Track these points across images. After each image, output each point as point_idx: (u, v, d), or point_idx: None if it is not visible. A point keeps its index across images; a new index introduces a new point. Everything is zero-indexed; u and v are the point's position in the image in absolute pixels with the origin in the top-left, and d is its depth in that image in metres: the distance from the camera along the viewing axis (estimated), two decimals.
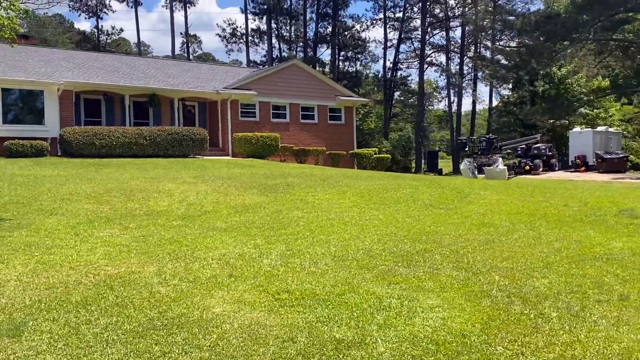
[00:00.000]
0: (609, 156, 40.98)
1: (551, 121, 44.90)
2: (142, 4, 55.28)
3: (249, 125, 27.19)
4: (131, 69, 27.30)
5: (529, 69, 39.50)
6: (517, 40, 33.79)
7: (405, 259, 7.17)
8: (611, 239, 8.41)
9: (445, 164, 62.68)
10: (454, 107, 59.35)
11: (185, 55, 55.38)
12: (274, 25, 55.47)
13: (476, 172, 38.04)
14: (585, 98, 44.77)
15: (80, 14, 57.89)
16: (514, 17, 40.13)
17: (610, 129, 45.22)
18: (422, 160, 62.26)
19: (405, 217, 10.40)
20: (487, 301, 5.34)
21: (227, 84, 27.35)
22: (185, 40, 54.07)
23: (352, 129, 31.62)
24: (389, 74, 61.50)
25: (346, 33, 56.83)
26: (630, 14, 29.45)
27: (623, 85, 45.08)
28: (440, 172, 49.08)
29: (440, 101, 68.39)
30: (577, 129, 44.74)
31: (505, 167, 37.28)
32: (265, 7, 52.20)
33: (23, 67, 23.05)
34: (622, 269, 6.49)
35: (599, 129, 44.25)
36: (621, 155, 41.95)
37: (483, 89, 59.22)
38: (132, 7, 53.68)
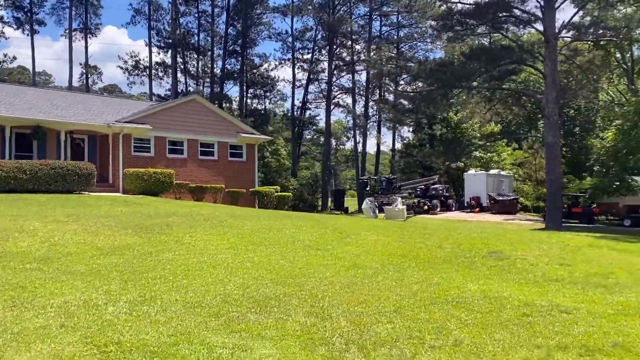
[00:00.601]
0: (501, 198, 43.28)
1: (447, 163, 46.96)
2: (38, 32, 52.59)
3: (143, 161, 26.26)
4: (15, 99, 25.75)
5: (427, 113, 41.33)
6: (413, 86, 35.25)
7: (261, 304, 6.94)
8: (470, 281, 8.63)
9: (352, 202, 63.60)
10: (360, 148, 60.80)
11: (84, 86, 53.30)
12: (180, 60, 54.77)
13: (377, 211, 38.88)
14: (479, 142, 47.32)
15: None
16: (413, 64, 42.13)
17: (502, 172, 47.95)
18: (329, 199, 63.00)
19: (280, 259, 10.22)
20: (323, 349, 5.20)
21: (120, 117, 26.40)
22: (84, 71, 52.12)
23: (254, 167, 31.42)
24: (298, 112, 62.28)
25: (255, 71, 57.16)
26: (514, 66, 31.56)
27: (514, 131, 48.23)
28: (346, 211, 49.70)
29: (347, 141, 69.85)
30: (472, 171, 47.09)
31: (404, 207, 38.38)
32: (171, 41, 51.50)
33: None
34: (467, 313, 6.60)
35: (492, 171, 46.80)
36: (512, 198, 44.45)
37: (388, 131, 61.54)
38: (28, 35, 51.17)
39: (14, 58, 55.24)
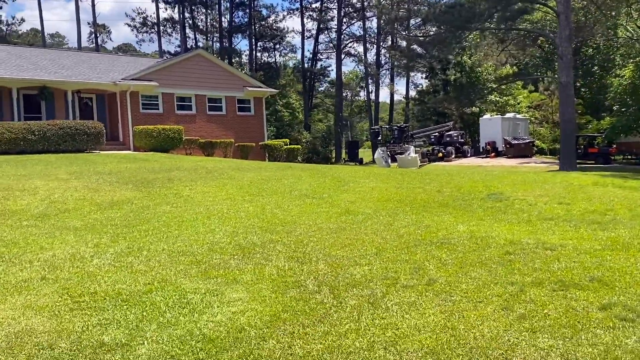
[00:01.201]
0: (516, 142, 42.67)
1: (462, 109, 46.25)
2: None
3: (151, 118, 26.30)
4: (20, 60, 25.76)
5: (439, 57, 40.48)
6: (423, 30, 34.35)
7: (245, 251, 6.98)
8: (461, 222, 8.56)
9: (367, 153, 63.40)
10: (373, 97, 60.11)
11: (95, 46, 53.06)
12: (187, 15, 54.06)
13: (389, 161, 38.71)
14: (494, 85, 46.34)
15: None
16: (425, 7, 40.98)
17: (518, 116, 47.08)
18: (344, 150, 62.84)
19: (274, 208, 10.24)
20: (294, 292, 5.22)
21: (127, 75, 26.32)
22: (93, 30, 51.80)
23: (262, 120, 31.29)
24: (309, 64, 61.50)
25: (263, 23, 56.22)
26: (526, 5, 30.48)
27: (529, 73, 47.00)
28: (361, 162, 49.55)
29: (361, 91, 68.98)
30: (487, 115, 46.32)
31: (417, 155, 38.10)
32: None
33: None
34: (448, 253, 6.56)
35: (507, 115, 45.97)
36: (528, 141, 43.78)
37: (401, 79, 60.47)
38: None
39: (22, 20, 55.06)
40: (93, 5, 50.85)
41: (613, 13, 38.37)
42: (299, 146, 32.40)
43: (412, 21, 42.34)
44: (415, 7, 39.67)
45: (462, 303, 4.82)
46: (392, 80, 59.13)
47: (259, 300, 4.96)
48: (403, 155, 37.62)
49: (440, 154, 41.68)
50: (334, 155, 57.16)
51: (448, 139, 43.70)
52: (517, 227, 8.27)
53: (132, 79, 25.86)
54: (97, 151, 23.36)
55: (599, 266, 5.87)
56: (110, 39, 61.35)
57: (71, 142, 22.35)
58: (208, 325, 4.37)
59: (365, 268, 5.98)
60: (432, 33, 33.88)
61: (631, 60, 40.61)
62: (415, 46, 42.64)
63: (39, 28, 52.09)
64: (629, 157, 37.10)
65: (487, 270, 5.79)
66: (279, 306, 4.80)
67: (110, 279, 5.83)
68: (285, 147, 30.30)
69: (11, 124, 21.31)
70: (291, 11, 58.23)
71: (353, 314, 4.59)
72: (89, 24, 54.03)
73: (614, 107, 39.73)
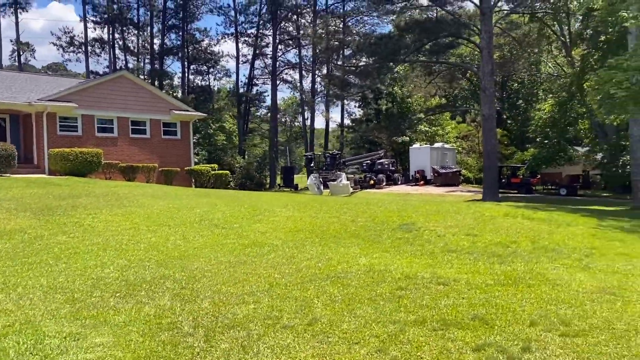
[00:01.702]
0: (444, 171, 43.82)
1: (393, 138, 47.13)
2: None
3: (69, 140, 25.20)
4: None
5: (370, 87, 41.21)
6: (355, 60, 34.92)
7: (131, 288, 6.57)
8: (365, 255, 8.45)
9: (303, 179, 63.35)
10: (309, 123, 60.42)
11: (17, 64, 50.86)
12: (117, 35, 52.86)
13: (322, 187, 38.78)
14: (423, 116, 47.63)
15: None
16: (357, 37, 41.77)
17: (446, 145, 48.45)
18: (278, 176, 62.58)
19: (178, 239, 9.83)
20: (166, 335, 4.89)
21: (44, 96, 25.20)
22: (16, 48, 49.74)
23: (189, 145, 30.63)
24: (245, 89, 61.27)
25: (196, 46, 55.69)
26: (452, 39, 31.55)
27: (457, 104, 48.68)
28: (296, 188, 49.33)
29: (296, 117, 69.25)
30: (416, 145, 47.42)
31: (348, 182, 38.42)
32: (107, 16, 49.52)
33: None
34: (341, 288, 6.40)
35: (436, 145, 47.23)
36: (455, 170, 45.04)
37: (336, 107, 61.35)
38: None
39: None
40: (17, 23, 48.95)
41: (535, 50, 40.36)
42: (227, 172, 31.87)
43: (346, 51, 43.10)
44: (349, 38, 40.46)
45: (338, 345, 4.63)
46: (327, 107, 59.65)
47: (123, 346, 4.59)
48: (335, 182, 37.81)
49: (372, 182, 42.17)
50: (268, 181, 56.81)
51: (379, 166, 44.35)
52: (418, 259, 8.23)
53: (50, 100, 24.78)
54: (8, 174, 22.10)
55: (485, 303, 5.84)
56: (34, 58, 59.15)
57: None
58: None
59: (251, 307, 5.71)
60: (362, 64, 34.51)
61: (550, 95, 42.74)
62: (348, 75, 43.33)
63: None
64: (550, 187, 38.66)
65: (374, 308, 5.64)
66: (143, 352, 4.46)
67: None
68: (213, 172, 29.73)
69: None
70: (226, 35, 58.09)
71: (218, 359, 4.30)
72: (11, 41, 51.76)
73: (537, 139, 41.58)
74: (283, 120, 78.01)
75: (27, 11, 64.49)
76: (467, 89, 52.51)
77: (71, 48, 52.14)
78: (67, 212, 12.24)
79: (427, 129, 49.37)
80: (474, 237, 10.44)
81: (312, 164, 41.26)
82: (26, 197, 14.29)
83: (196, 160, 49.57)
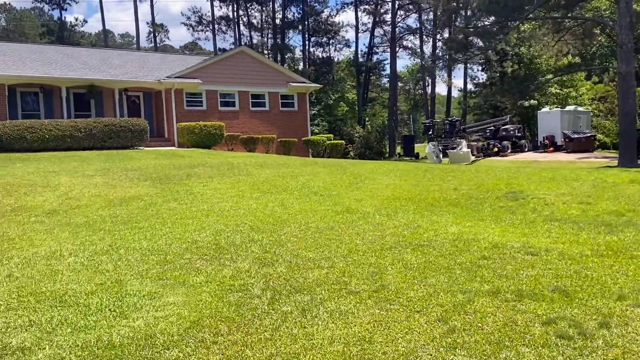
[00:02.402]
0: (576, 136, 40.71)
1: (519, 102, 44.52)
2: None
3: (195, 115, 26.78)
4: (72, 60, 26.81)
5: (493, 48, 39.13)
6: (474, 21, 33.20)
7: (220, 251, 6.90)
8: (457, 223, 8.15)
9: (423, 147, 62.24)
10: (430, 90, 58.94)
11: (153, 44, 54.67)
12: (242, 12, 54.74)
13: (441, 156, 37.88)
14: (554, 77, 44.32)
15: (43, 6, 56.75)
16: None
17: (579, 108, 44.86)
18: (399, 145, 61.90)
19: (276, 206, 10.12)
20: (234, 296, 5.07)
21: (172, 73, 26.90)
22: (152, 30, 53.43)
23: (306, 116, 31.23)
24: (365, 58, 60.97)
25: (317, 18, 56.16)
26: None
27: (590, 63, 44.64)
28: (417, 157, 48.72)
29: (417, 84, 67.76)
30: (545, 109, 44.39)
31: (469, 150, 37.09)
32: None
33: None
34: (420, 257, 6.23)
35: (568, 108, 43.88)
36: (589, 135, 41.67)
37: (460, 72, 58.85)
38: None
39: (85, 21, 57.48)
40: (152, 6, 52.48)
41: None
42: (342, 141, 32.12)
43: (469, 11, 41.14)
44: None
45: (399, 312, 4.52)
46: (449, 73, 57.67)
47: (192, 305, 4.84)
48: (454, 150, 36.70)
49: (496, 149, 40.38)
50: (388, 150, 56.48)
51: (504, 133, 42.23)
52: (514, 228, 7.78)
53: (177, 77, 26.41)
54: (142, 147, 24.00)
55: (573, 274, 5.39)
56: (168, 38, 62.90)
57: (116, 139, 23.05)
58: (122, 331, 4.29)
59: (324, 271, 5.75)
60: (485, 24, 32.75)
61: None
62: (470, 37, 41.44)
63: (106, 29, 54.24)
64: None
65: (448, 277, 5.43)
66: (207, 311, 4.67)
67: (68, 279, 5.87)
68: (329, 142, 30.13)
69: (59, 122, 22.19)
70: (345, 5, 57.87)
71: (277, 322, 4.39)
72: (147, 23, 55.60)
73: None
74: (407, 87, 76.79)
75: None
76: (606, 46, 48.01)
77: (200, 27, 55.13)
78: (182, 180, 13.07)
79: (557, 91, 46.00)
80: (587, 205, 9.65)
81: (430, 132, 40.23)
82: (150, 168, 15.44)
83: (317, 130, 50.57)
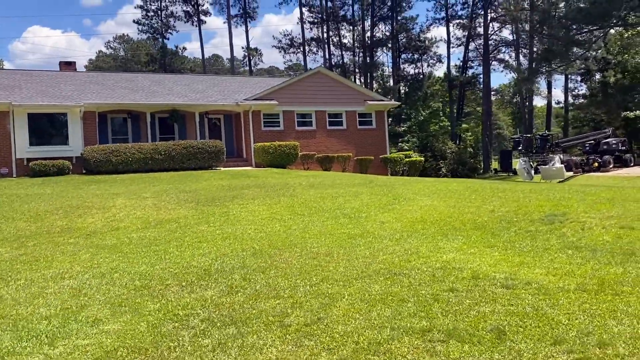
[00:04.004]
0: None
1: (625, 113, 41.33)
2: (205, 22, 57.30)
3: (272, 135, 27.47)
4: (158, 87, 28.56)
5: (590, 57, 36.79)
6: (566, 30, 31.41)
7: (201, 277, 7.03)
8: (459, 250, 7.71)
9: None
10: (527, 104, 56.33)
11: (248, 68, 56.95)
12: (332, 32, 55.60)
13: (532, 172, 35.96)
14: None
15: (148, 37, 61.05)
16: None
17: None
18: (494, 160, 59.64)
19: (298, 229, 10.13)
20: (169, 326, 5.13)
21: (249, 96, 27.83)
22: (247, 54, 55.75)
23: (384, 133, 30.97)
24: (460, 72, 59.65)
25: (407, 34, 55.78)
26: None
27: None
28: (515, 172, 46.67)
29: (513, 98, 65.01)
30: None
31: (562, 166, 34.90)
32: (321, 16, 52.43)
33: (51, 92, 24.86)
34: (387, 287, 5.97)
35: None
36: None
37: (559, 83, 55.64)
38: (195, 26, 56.26)
39: (184, 49, 61.11)
40: (246, 31, 54.89)
41: None
42: (421, 158, 31.47)
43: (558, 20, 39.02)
44: (561, 5, 36.49)
45: (306, 350, 4.35)
46: (548, 86, 54.84)
47: (122, 333, 4.96)
48: (547, 166, 34.72)
49: (596, 164, 37.73)
50: (482, 165, 54.56)
51: (605, 147, 39.36)
52: (519, 257, 7.21)
53: (254, 99, 27.30)
54: (219, 168, 25.00)
55: (532, 312, 4.90)
56: (262, 61, 65.21)
57: (194, 160, 24.22)
58: (36, 358, 4.47)
59: (277, 302, 5.66)
60: (574, 33, 30.95)
61: None
62: (567, 47, 39.28)
63: (213, 54, 57.52)
64: None
65: (395, 310, 5.14)
66: (131, 342, 4.76)
67: (44, 303, 6.20)
68: (407, 159, 29.65)
69: (141, 145, 23.69)
70: (437, 20, 57.03)
71: (182, 356, 4.39)
72: (242, 48, 58.10)
73: None
74: (504, 100, 74.03)
75: (254, 19, 71.69)
76: None
77: (291, 49, 56.73)
78: (225, 203, 13.43)
79: None
80: (629, 230, 8.72)
81: (520, 147, 38.34)
82: (206, 189, 16.03)
83: (406, 147, 49.91)
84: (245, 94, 28.71)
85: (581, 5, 27.04)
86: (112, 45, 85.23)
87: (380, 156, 29.57)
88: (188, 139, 26.55)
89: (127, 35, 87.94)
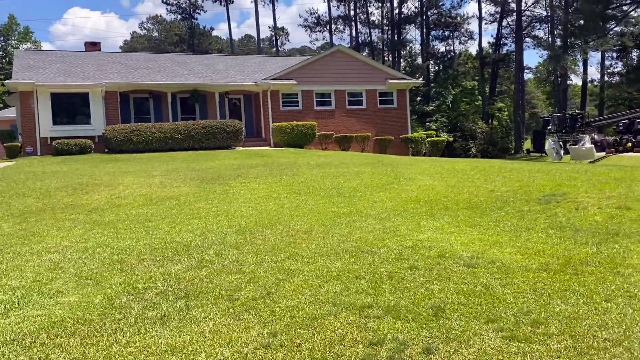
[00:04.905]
0: None
1: None
2: (233, 2, 57.23)
3: (291, 115, 27.45)
4: (179, 67, 28.77)
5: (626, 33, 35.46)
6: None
7: (179, 253, 7.12)
8: (439, 229, 7.64)
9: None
10: (561, 82, 54.76)
11: (274, 48, 56.82)
12: (359, 10, 54.86)
13: (562, 152, 35.17)
14: None
15: (176, 17, 61.43)
16: None
17: None
18: (527, 140, 58.43)
19: (291, 207, 10.16)
20: (123, 299, 5.24)
21: (268, 75, 27.83)
22: (273, 33, 55.56)
23: (406, 113, 30.59)
24: (493, 49, 58.37)
25: (437, 11, 54.70)
26: None
27: None
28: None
29: (549, 76, 63.24)
30: None
31: (592, 146, 33.98)
32: None
33: (74, 72, 25.34)
34: (349, 264, 5.95)
35: None
36: None
37: (596, 60, 53.50)
38: (223, 5, 56.29)
39: (212, 28, 61.39)
40: (273, 10, 54.74)
41: None
42: (444, 138, 30.99)
43: None
44: None
45: (242, 323, 4.40)
46: (584, 64, 53.11)
47: (76, 305, 5.09)
48: (576, 146, 33.87)
49: (629, 144, 36.57)
50: (514, 145, 53.48)
51: (639, 126, 38.05)
52: (497, 236, 7.10)
53: (272, 79, 27.28)
54: (237, 147, 25.19)
55: (480, 290, 4.82)
56: (288, 41, 64.86)
57: (212, 139, 24.45)
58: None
59: (236, 277, 5.72)
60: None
61: None
62: (604, 23, 38.01)
63: (251, 33, 57.63)
64: None
65: (344, 287, 5.14)
66: (80, 313, 4.88)
67: (19, 275, 6.40)
68: (429, 139, 29.27)
69: (162, 125, 24.02)
70: None
71: (124, 328, 4.48)
72: (269, 27, 57.98)
73: None
74: (541, 79, 72.18)
75: None
76: None
77: (317, 28, 56.28)
78: (228, 181, 13.54)
79: None
80: (625, 210, 8.47)
81: (549, 127, 37.39)
82: (216, 168, 16.18)
83: (434, 127, 49.28)
84: (265, 74, 28.70)
85: None
86: (145, 27, 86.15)
87: (401, 136, 29.25)
88: (209, 118, 26.74)
89: (161, 16, 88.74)
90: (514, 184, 11.35)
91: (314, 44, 64.41)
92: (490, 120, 55.46)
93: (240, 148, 25.02)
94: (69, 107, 24.13)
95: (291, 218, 9.09)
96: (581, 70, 53.59)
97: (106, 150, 23.97)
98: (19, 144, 23.53)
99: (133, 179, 14.28)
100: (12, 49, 55.17)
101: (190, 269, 6.22)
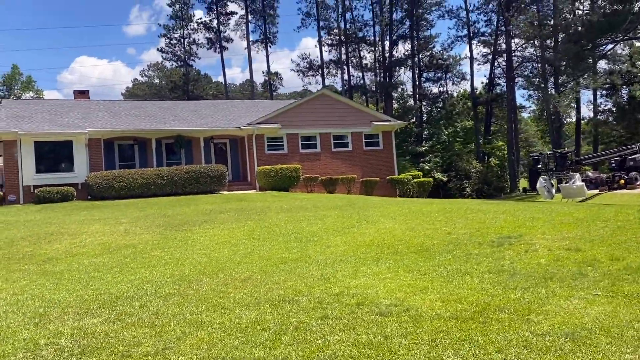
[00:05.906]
0: None
1: None
2: (227, 48, 58.28)
3: (276, 158, 27.54)
4: (165, 113, 29.04)
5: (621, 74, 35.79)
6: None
7: (104, 305, 6.98)
8: (375, 275, 7.47)
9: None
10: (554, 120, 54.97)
11: (268, 92, 57.55)
12: (350, 54, 55.66)
13: (553, 191, 35.02)
14: None
15: (172, 64, 62.52)
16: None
17: None
18: (522, 179, 58.38)
19: (242, 254, 10.05)
20: (19, 355, 5.08)
21: (253, 120, 28.02)
22: (267, 78, 56.37)
23: (392, 154, 30.64)
24: (486, 90, 58.87)
25: (427, 53, 55.47)
26: None
27: None
28: None
29: (541, 115, 63.59)
30: None
31: (583, 184, 33.82)
32: (339, 38, 52.71)
33: (59, 120, 25.59)
34: (258, 315, 5.80)
35: None
36: None
37: (585, 97, 53.77)
38: (218, 53, 57.36)
39: (205, 75, 62.37)
40: (267, 56, 55.64)
41: None
42: (430, 179, 30.94)
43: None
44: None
45: None
46: (577, 102, 53.29)
47: None
48: (567, 184, 33.73)
49: (622, 181, 36.47)
50: (509, 184, 53.34)
51: (632, 163, 37.96)
52: (430, 282, 6.92)
53: (257, 123, 27.47)
54: (222, 192, 25.16)
55: (381, 342, 4.65)
56: (282, 85, 65.61)
57: (196, 184, 24.46)
58: None
59: (141, 330, 5.56)
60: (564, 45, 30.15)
61: None
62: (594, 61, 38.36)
63: (251, 80, 58.35)
64: None
65: (243, 339, 4.97)
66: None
67: None
68: (415, 180, 29.22)
69: (144, 171, 24.08)
70: (459, 38, 56.55)
71: None
72: (263, 72, 58.83)
73: None
74: (536, 117, 72.56)
75: (274, 44, 72.54)
76: None
77: (310, 72, 57.07)
78: (192, 227, 13.43)
79: None
80: (575, 252, 8.31)
81: (539, 165, 37.36)
82: (186, 214, 16.10)
83: (427, 167, 49.32)
84: (251, 118, 28.91)
85: (590, 19, 26.37)
86: (146, 74, 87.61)
87: (387, 177, 29.23)
88: (194, 163, 26.83)
89: (162, 63, 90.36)
90: (474, 225, 11.22)
91: (306, 87, 65.22)
92: (486, 159, 55.47)
93: (225, 192, 24.99)
94: (53, 155, 24.25)
95: (238, 265, 8.96)
96: (574, 109, 53.85)
97: (88, 197, 23.96)
98: (1, 193, 23.56)
99: (99, 227, 14.20)
100: (15, 99, 56.08)
101: (105, 322, 6.06)
